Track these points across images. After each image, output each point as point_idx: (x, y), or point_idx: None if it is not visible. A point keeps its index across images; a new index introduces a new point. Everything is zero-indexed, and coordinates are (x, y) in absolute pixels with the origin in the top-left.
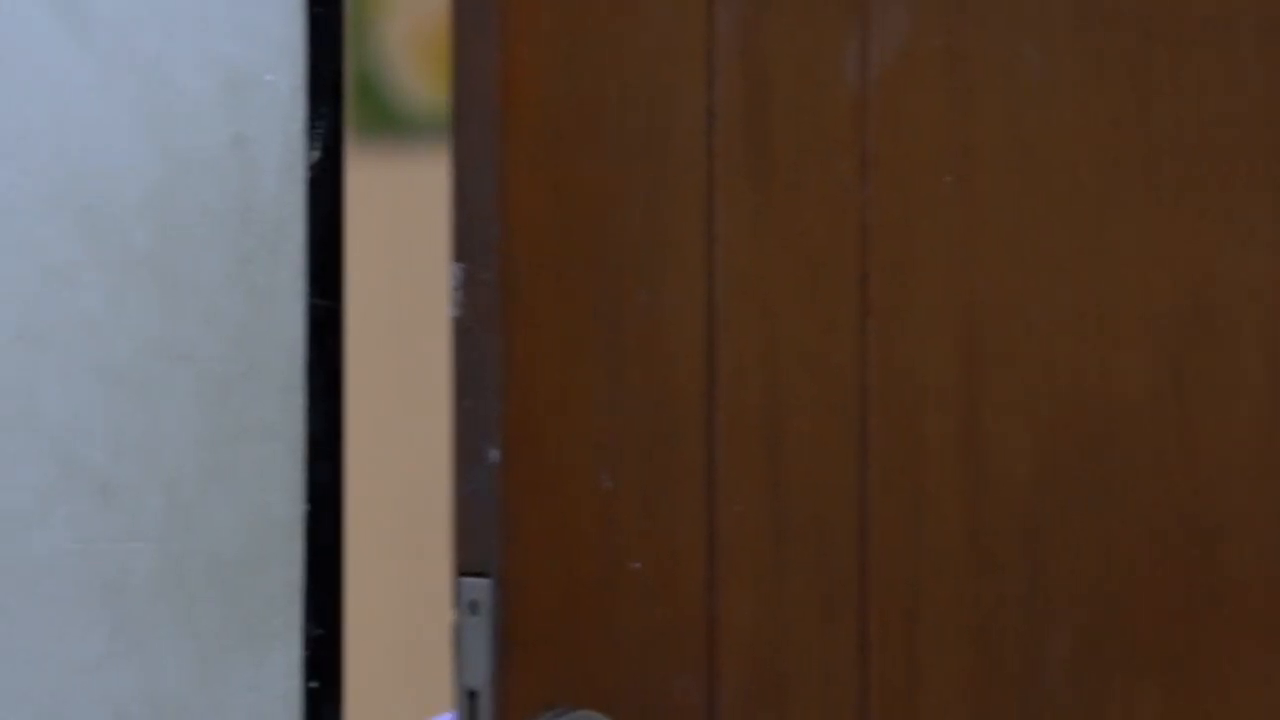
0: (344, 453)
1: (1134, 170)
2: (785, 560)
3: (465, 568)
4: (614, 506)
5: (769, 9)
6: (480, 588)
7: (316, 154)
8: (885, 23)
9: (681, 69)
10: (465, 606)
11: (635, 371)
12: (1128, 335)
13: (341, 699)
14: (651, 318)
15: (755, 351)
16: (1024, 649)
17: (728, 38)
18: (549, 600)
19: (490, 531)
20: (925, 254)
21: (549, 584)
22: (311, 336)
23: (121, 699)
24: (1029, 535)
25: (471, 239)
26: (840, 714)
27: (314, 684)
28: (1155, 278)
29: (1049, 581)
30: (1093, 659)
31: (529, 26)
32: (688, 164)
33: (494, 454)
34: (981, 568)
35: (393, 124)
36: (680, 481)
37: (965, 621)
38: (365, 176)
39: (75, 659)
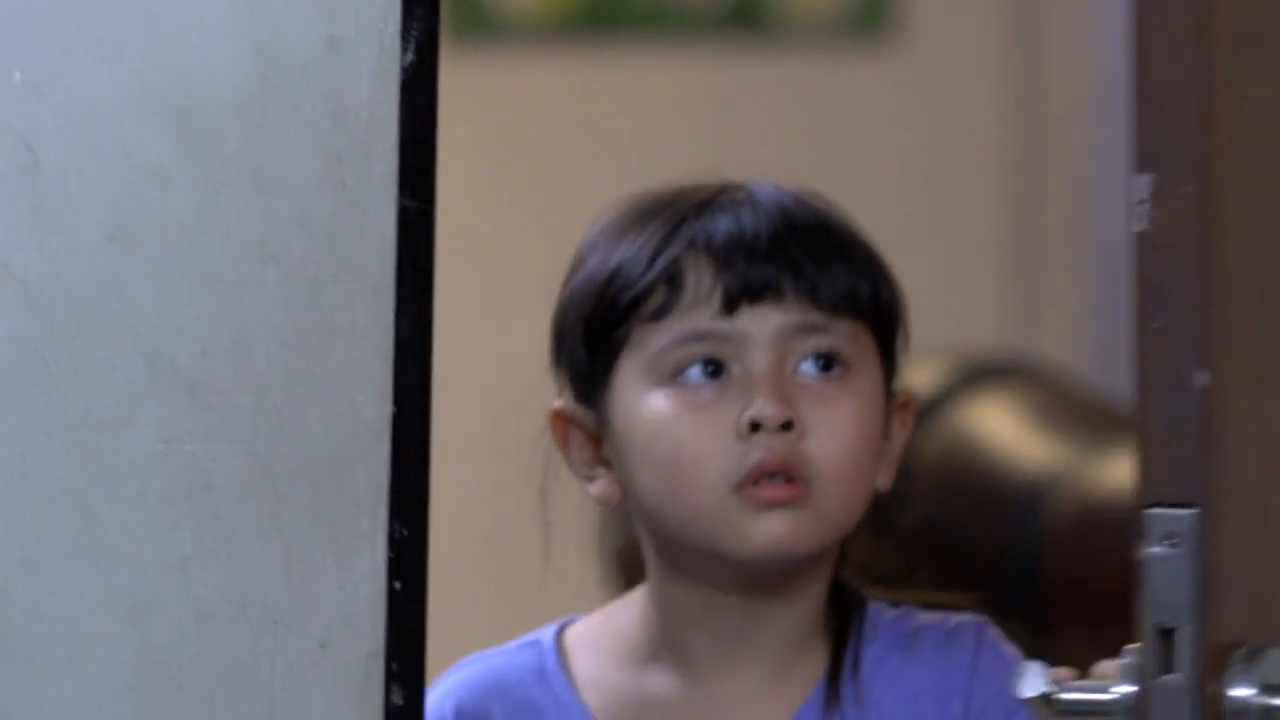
0: (433, 355)
1: None
2: None
3: (1159, 498)
4: None
5: None
6: (1178, 520)
7: (410, 56)
8: None
9: None
10: (1158, 539)
11: None
12: None
13: (426, 601)
14: None
15: None
16: None
17: None
18: (1247, 533)
19: (1195, 461)
20: None
21: (1248, 516)
22: (401, 238)
23: (207, 599)
24: None
25: (1165, 149)
26: None
27: (399, 585)
28: None
29: None
30: None
31: None
32: None
33: (1202, 378)
34: None
35: (487, 27)
36: None
37: None
38: (459, 79)
39: (161, 559)
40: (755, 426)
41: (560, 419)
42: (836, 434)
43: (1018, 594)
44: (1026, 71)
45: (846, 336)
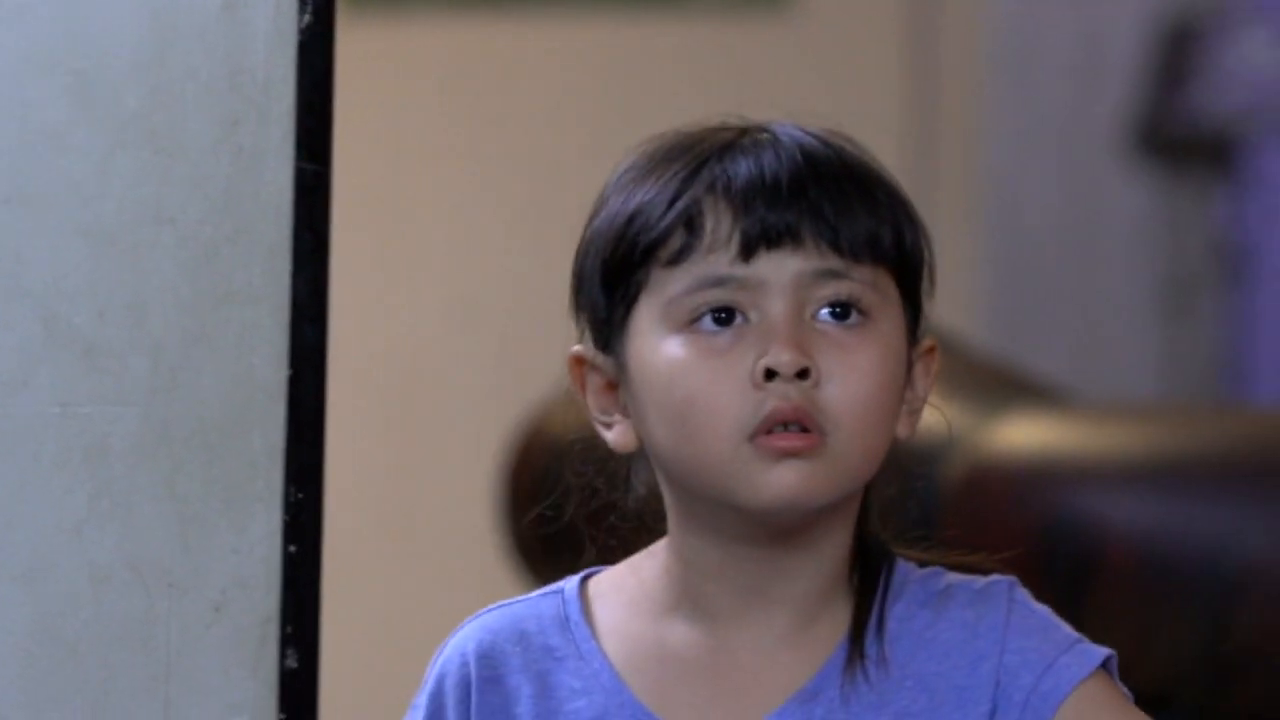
0: (328, 318)
1: None
2: None
3: None
4: None
5: None
6: None
7: (307, 19)
8: None
9: None
10: None
11: None
12: None
13: (320, 564)
14: None
15: None
16: None
17: None
18: None
19: None
20: None
21: None
22: (298, 201)
23: (102, 562)
24: None
25: None
26: None
27: (294, 548)
28: None
29: None
30: None
31: None
32: None
33: None
34: None
35: None
36: None
37: None
38: (356, 42)
39: (56, 522)
40: (770, 375)
41: (578, 364)
42: (854, 383)
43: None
44: (922, 41)
45: (867, 283)
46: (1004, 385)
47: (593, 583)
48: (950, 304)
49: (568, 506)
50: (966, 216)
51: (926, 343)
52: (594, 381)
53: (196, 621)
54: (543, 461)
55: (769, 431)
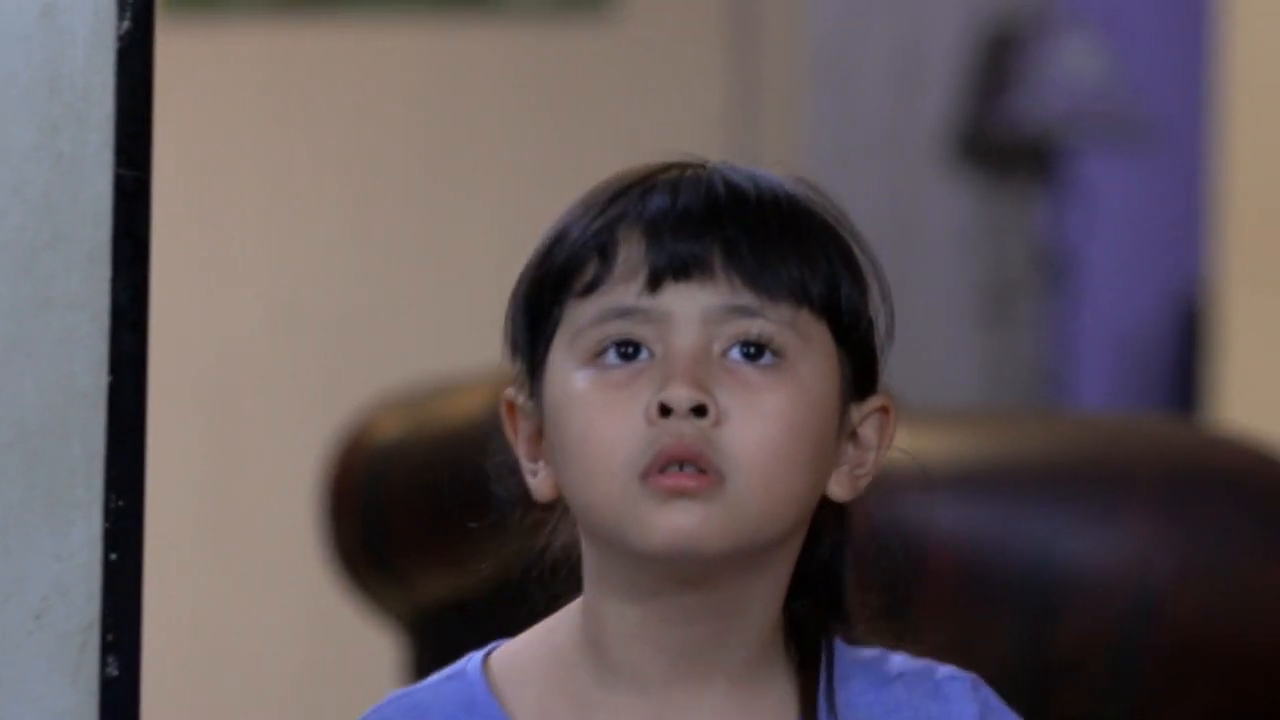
0: (149, 324)
1: None
2: None
3: None
4: None
5: None
6: None
7: (126, 25)
8: None
9: None
10: None
11: None
12: None
13: (141, 571)
14: None
15: None
16: None
17: None
18: None
19: None
20: None
21: None
22: (117, 207)
23: None
24: None
25: None
26: None
27: (114, 556)
28: None
29: None
30: None
31: None
32: None
33: None
34: None
35: None
36: None
37: None
38: (176, 48)
39: None
40: (666, 411)
41: (510, 410)
42: (759, 425)
43: None
44: (743, 47)
45: (784, 323)
46: None
47: (496, 658)
48: None
49: (393, 515)
50: None
51: (875, 401)
52: (523, 429)
53: (16, 629)
54: (365, 468)
55: (661, 470)
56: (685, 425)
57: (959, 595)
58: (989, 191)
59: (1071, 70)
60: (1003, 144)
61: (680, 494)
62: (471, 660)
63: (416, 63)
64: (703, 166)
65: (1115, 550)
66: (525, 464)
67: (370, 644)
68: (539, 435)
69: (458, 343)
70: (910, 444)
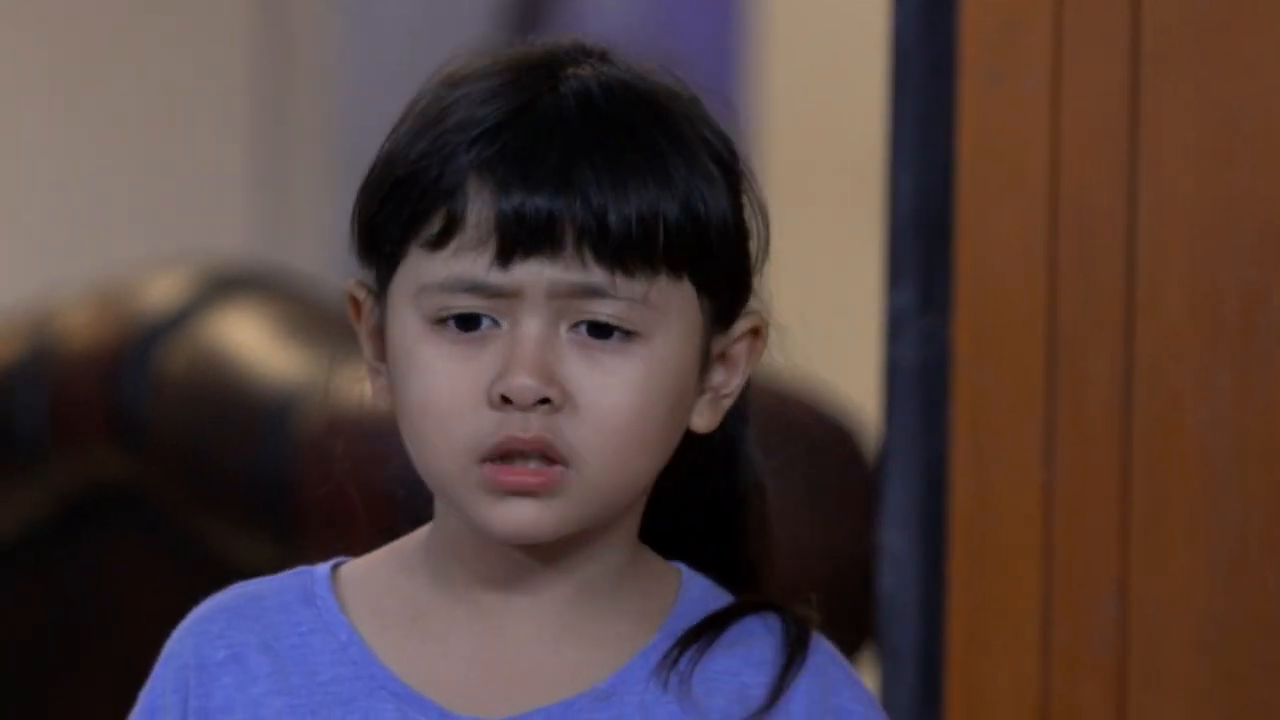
0: None
1: None
2: None
3: None
4: None
5: None
6: None
7: None
8: None
9: None
10: None
11: None
12: None
13: None
14: None
15: None
16: None
17: None
18: None
19: None
20: None
21: None
22: None
23: None
24: None
25: None
26: None
27: None
28: None
29: None
30: None
31: None
32: None
33: None
34: None
35: None
36: None
37: None
38: None
39: None
40: (508, 399)
41: (353, 298)
42: (608, 410)
43: (268, 507)
44: None
45: (636, 300)
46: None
47: (348, 564)
48: (302, 249)
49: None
50: (318, 159)
51: (746, 324)
52: (366, 323)
53: None
54: None
55: (503, 457)
56: (531, 417)
57: None
58: None
59: (604, 20)
60: None
61: (520, 493)
62: (322, 565)
63: None
64: (578, 70)
65: None
66: (369, 360)
67: None
68: (382, 336)
69: None
70: None
